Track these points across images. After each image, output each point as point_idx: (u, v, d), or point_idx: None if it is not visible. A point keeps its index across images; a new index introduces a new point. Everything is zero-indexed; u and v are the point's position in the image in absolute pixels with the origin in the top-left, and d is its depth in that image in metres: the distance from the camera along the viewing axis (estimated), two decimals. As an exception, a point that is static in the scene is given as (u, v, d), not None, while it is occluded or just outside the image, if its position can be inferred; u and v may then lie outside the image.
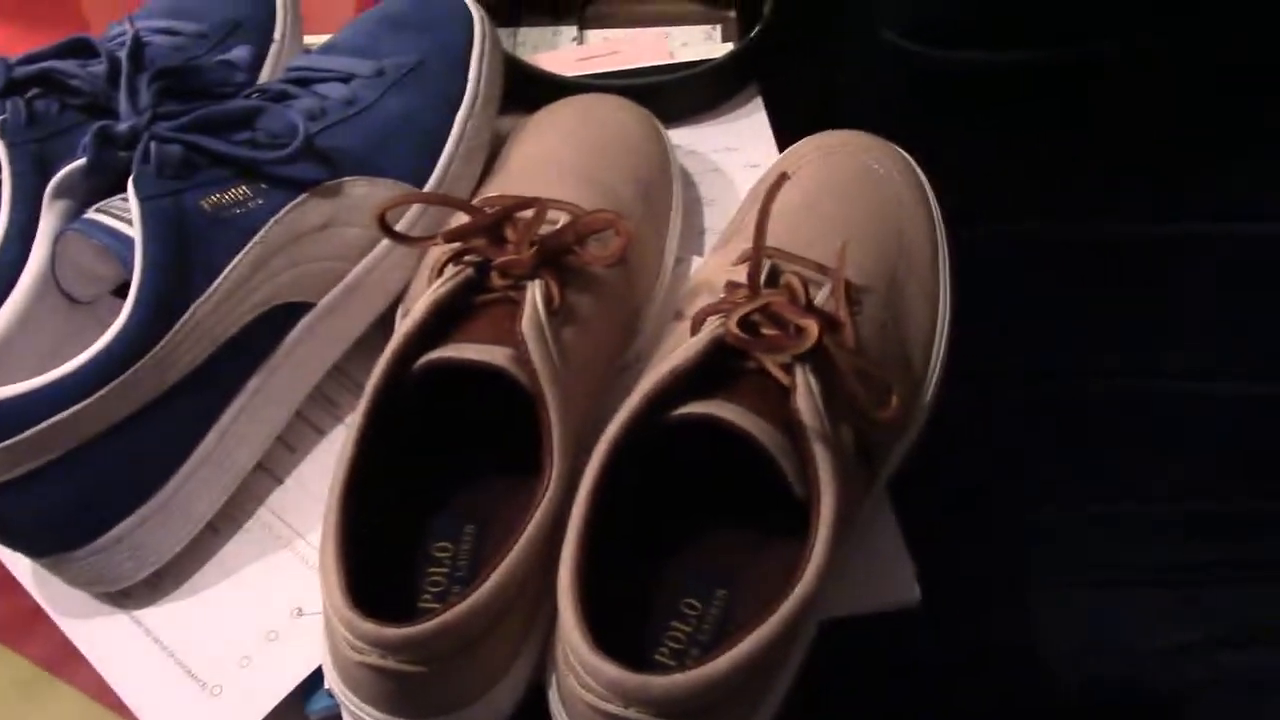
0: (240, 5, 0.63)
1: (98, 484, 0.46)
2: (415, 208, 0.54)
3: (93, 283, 0.51)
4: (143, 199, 0.46)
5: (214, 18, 0.62)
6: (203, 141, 0.48)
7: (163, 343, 0.46)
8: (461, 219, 0.49)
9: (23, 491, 0.45)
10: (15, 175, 0.51)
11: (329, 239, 0.51)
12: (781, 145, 0.63)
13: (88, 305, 0.51)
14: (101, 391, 0.45)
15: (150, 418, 0.47)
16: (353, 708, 0.43)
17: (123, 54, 0.52)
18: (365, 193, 0.52)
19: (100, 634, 0.49)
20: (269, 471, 0.52)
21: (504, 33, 0.71)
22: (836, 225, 0.51)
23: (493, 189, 0.54)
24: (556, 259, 0.46)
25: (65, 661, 0.49)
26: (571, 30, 0.72)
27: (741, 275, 0.46)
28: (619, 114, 0.58)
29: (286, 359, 0.51)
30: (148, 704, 0.47)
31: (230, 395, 0.49)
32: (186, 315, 0.46)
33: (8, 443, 0.44)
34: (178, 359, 0.47)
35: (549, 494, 0.43)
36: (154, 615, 0.49)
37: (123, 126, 0.48)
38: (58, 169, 0.51)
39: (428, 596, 0.45)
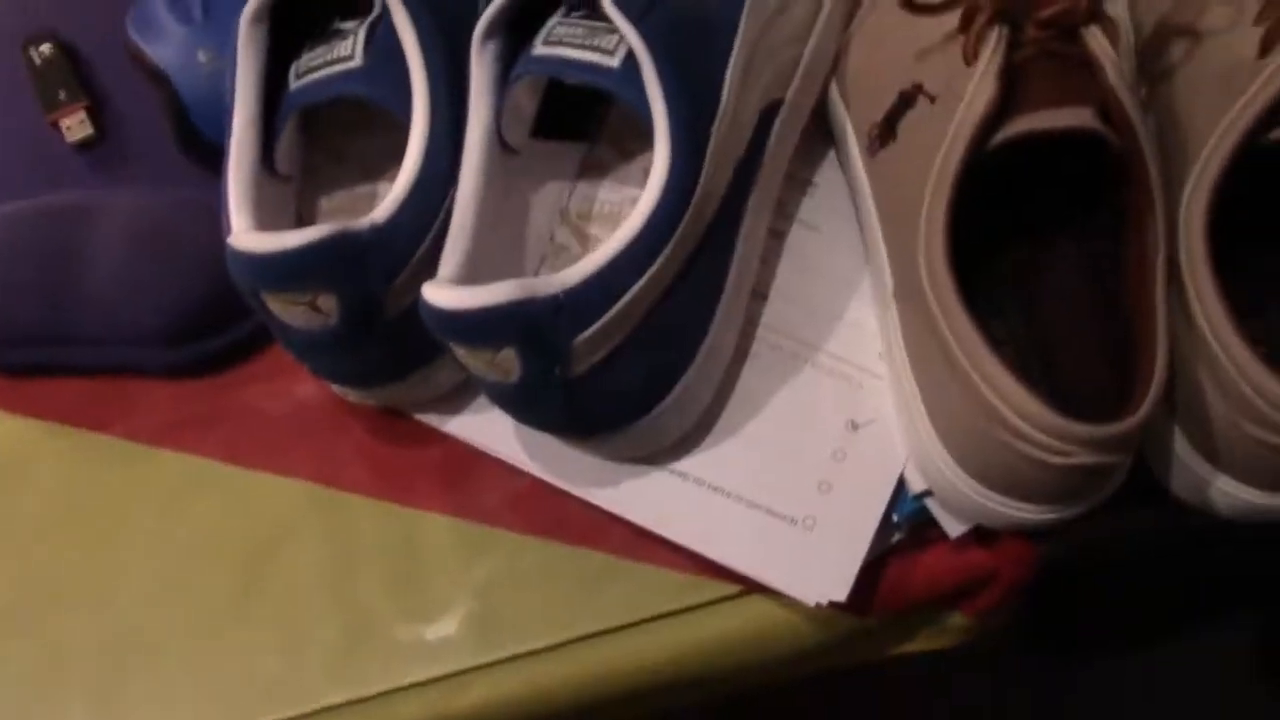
0: None
1: (665, 342, 0.42)
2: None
3: (524, 126, 0.45)
4: (636, 17, 0.40)
5: None
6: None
7: (702, 176, 0.41)
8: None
9: (606, 370, 0.41)
10: (415, 25, 0.43)
11: (785, 21, 0.46)
12: None
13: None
14: (672, 241, 0.40)
15: (696, 258, 0.42)
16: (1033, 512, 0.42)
17: None
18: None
19: (659, 503, 0.46)
20: (753, 291, 0.48)
21: None
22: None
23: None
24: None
25: (642, 545, 0.46)
26: None
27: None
28: None
29: (766, 165, 0.46)
30: (745, 555, 0.45)
31: (739, 217, 0.45)
32: (712, 141, 0.41)
33: (604, 320, 0.39)
34: (713, 189, 0.42)
35: (1161, 256, 0.41)
36: (705, 467, 0.46)
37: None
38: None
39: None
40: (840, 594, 0.44)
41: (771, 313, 0.48)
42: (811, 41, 0.48)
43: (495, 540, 0.48)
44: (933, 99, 0.43)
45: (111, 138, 0.54)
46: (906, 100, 0.45)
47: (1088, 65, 0.41)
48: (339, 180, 0.49)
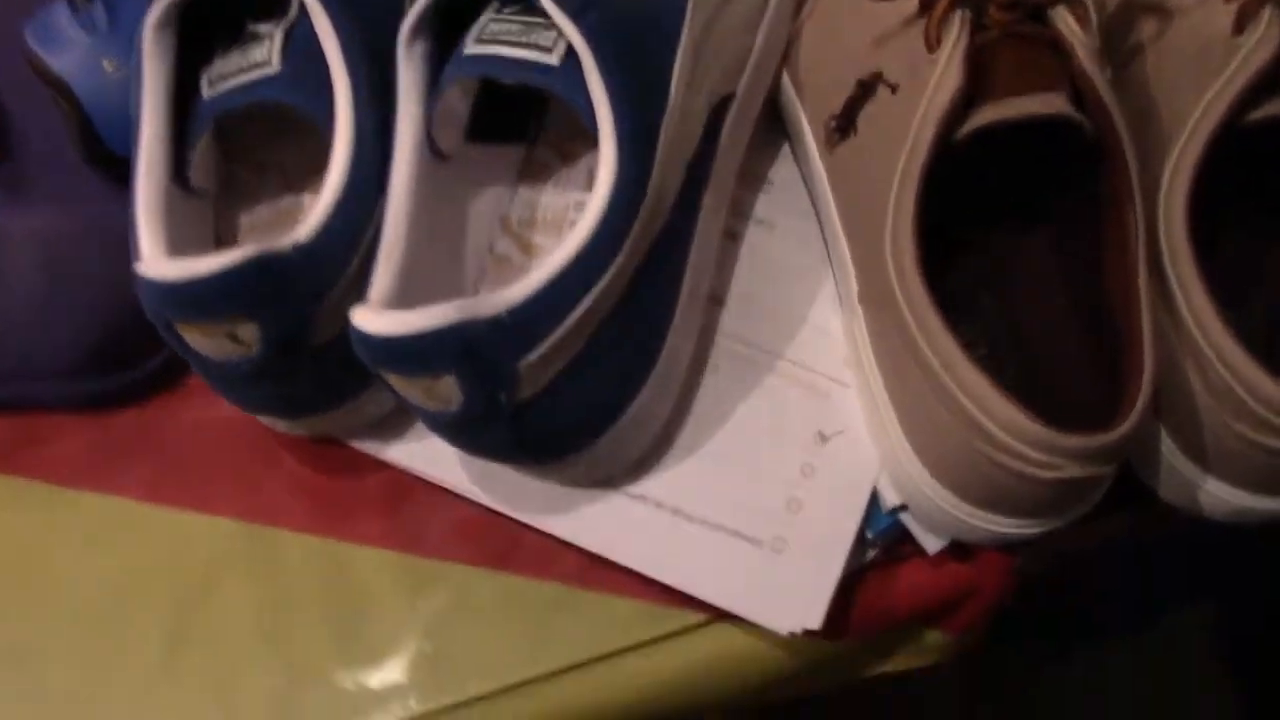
0: None
1: (618, 358, 0.39)
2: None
3: (453, 130, 0.42)
4: (575, 12, 0.37)
5: None
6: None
7: (652, 178, 0.38)
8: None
9: (556, 392, 0.38)
10: (336, 28, 0.40)
11: (734, 9, 0.43)
12: None
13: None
14: (623, 250, 0.37)
15: (648, 265, 0.39)
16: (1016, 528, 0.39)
17: None
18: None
19: (617, 528, 0.43)
20: (710, 297, 0.45)
21: None
22: None
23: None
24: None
25: (600, 574, 0.43)
26: None
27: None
28: None
29: (719, 163, 0.43)
30: (711, 583, 0.42)
31: (693, 220, 0.42)
32: (661, 140, 0.38)
33: (552, 339, 0.36)
34: (664, 191, 0.39)
35: (1142, 247, 0.38)
36: (665, 489, 0.43)
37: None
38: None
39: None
40: (814, 621, 0.41)
41: (730, 319, 0.45)
42: (762, 30, 0.45)
43: (442, 574, 0.44)
44: (894, 88, 0.40)
45: (14, 156, 0.50)
46: (866, 90, 0.42)
47: (1057, 48, 0.39)
48: (260, 194, 0.45)
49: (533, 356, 0.36)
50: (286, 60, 0.41)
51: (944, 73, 0.38)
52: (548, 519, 0.43)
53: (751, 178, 0.48)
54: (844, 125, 0.43)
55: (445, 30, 0.41)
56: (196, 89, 0.42)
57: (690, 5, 0.40)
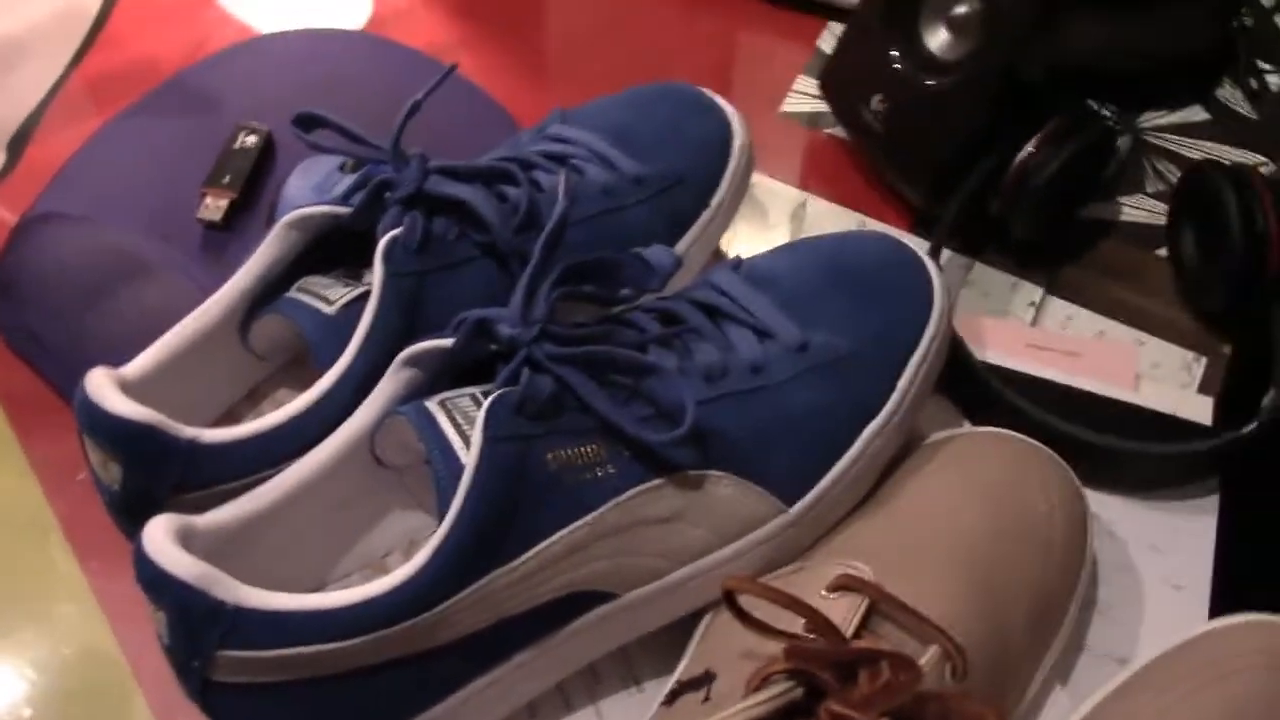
0: (690, 155, 0.56)
1: (326, 713, 0.41)
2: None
3: (407, 453, 0.46)
4: (490, 438, 0.40)
5: (659, 162, 0.55)
6: (579, 386, 0.42)
7: (445, 605, 0.40)
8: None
9: (257, 697, 0.40)
10: (380, 310, 0.46)
11: (666, 535, 0.44)
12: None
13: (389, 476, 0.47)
14: (367, 637, 0.39)
15: (400, 669, 0.41)
16: None
17: (547, 223, 0.46)
18: (729, 496, 0.44)
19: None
20: None
21: (952, 263, 0.62)
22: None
23: (851, 546, 0.45)
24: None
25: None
26: (1035, 292, 0.61)
27: None
28: (1045, 485, 0.47)
29: (563, 643, 0.44)
30: None
31: (490, 665, 0.43)
32: (482, 582, 0.40)
33: (271, 653, 0.39)
34: (455, 623, 0.41)
35: None
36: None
37: (504, 331, 0.42)
38: (423, 313, 0.47)
39: None
40: None
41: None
42: (689, 569, 0.45)
43: None
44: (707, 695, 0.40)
45: (230, 232, 0.60)
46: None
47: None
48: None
49: (232, 655, 0.39)
50: (342, 313, 0.47)
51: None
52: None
53: (630, 673, 0.48)
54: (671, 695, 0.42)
55: (453, 376, 0.45)
56: (289, 279, 0.49)
57: (609, 505, 0.42)
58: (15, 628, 0.50)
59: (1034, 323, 0.60)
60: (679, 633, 0.46)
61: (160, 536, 0.39)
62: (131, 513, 0.44)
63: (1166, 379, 0.57)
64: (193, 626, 0.39)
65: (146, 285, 0.57)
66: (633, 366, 0.43)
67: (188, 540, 0.40)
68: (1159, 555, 0.52)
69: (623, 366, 0.43)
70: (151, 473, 0.43)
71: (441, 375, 0.45)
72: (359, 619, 0.39)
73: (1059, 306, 0.60)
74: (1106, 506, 0.53)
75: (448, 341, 0.43)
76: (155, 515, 0.40)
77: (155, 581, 0.39)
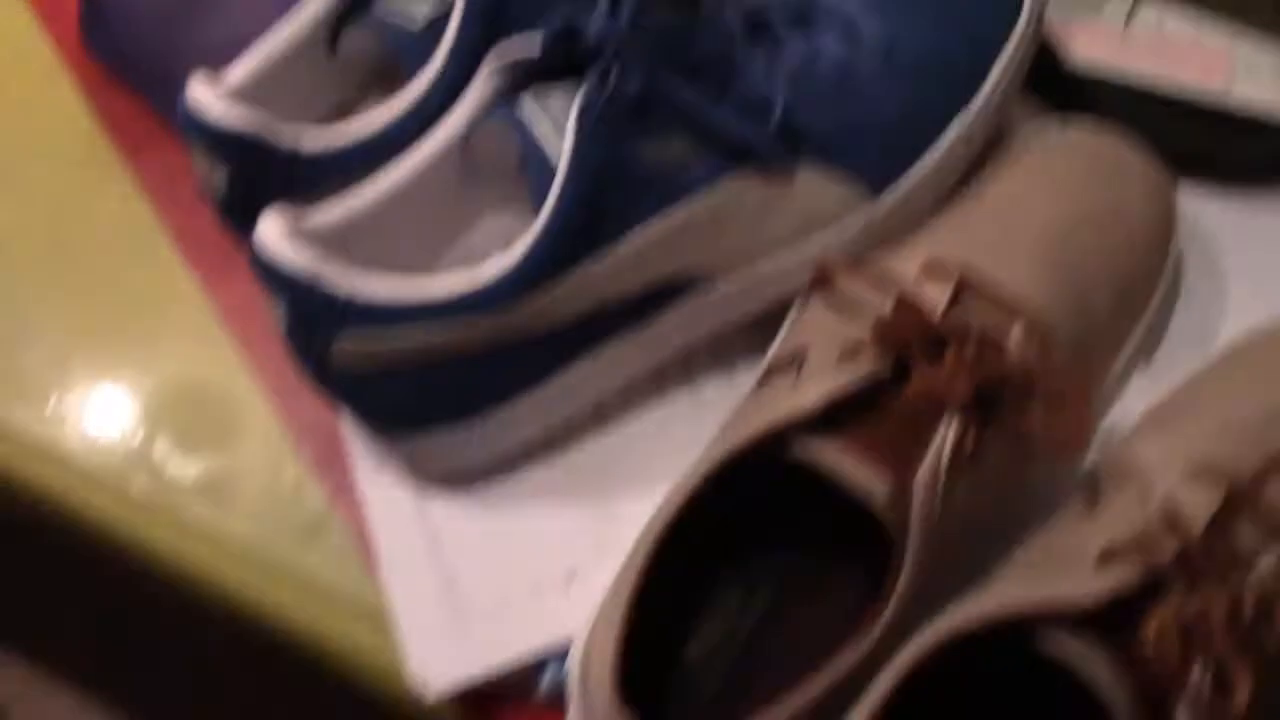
0: None
1: (424, 394, 0.44)
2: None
3: (501, 156, 0.47)
4: (582, 134, 0.41)
5: None
6: (668, 85, 0.42)
7: (543, 291, 0.42)
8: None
9: (372, 377, 0.43)
10: (463, 23, 0.46)
11: (753, 225, 0.45)
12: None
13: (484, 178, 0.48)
14: (471, 319, 0.42)
15: (496, 356, 0.43)
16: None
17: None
18: (818, 186, 0.45)
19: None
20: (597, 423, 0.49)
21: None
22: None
23: (938, 237, 0.46)
24: (991, 405, 0.39)
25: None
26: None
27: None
28: (1134, 179, 0.48)
29: (654, 331, 0.46)
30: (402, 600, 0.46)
31: (579, 353, 0.45)
32: (577, 270, 0.42)
33: (385, 332, 0.42)
34: (552, 314, 0.43)
35: (875, 642, 0.38)
36: (452, 525, 0.47)
37: (592, 32, 0.42)
38: (509, 16, 0.46)
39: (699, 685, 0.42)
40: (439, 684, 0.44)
41: (602, 449, 0.49)
42: (778, 257, 0.47)
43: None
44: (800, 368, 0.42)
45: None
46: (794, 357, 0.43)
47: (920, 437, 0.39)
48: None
49: (349, 344, 0.42)
50: (428, 31, 0.47)
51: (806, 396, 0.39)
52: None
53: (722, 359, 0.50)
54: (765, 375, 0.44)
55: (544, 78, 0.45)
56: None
57: (698, 195, 0.43)
58: (133, 341, 0.54)
59: (1126, 24, 0.58)
60: (770, 330, 0.47)
61: (275, 231, 0.41)
62: (240, 214, 0.46)
63: (1261, 80, 0.56)
64: (310, 313, 0.41)
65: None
66: (721, 64, 0.44)
67: (300, 234, 0.42)
68: (1243, 253, 0.52)
69: (711, 64, 0.44)
70: (257, 174, 0.45)
71: (531, 76, 0.45)
72: (464, 302, 0.42)
73: (1153, 10, 0.59)
74: (1194, 200, 0.53)
75: (536, 40, 0.44)
76: (264, 214, 0.42)
77: (272, 273, 0.41)
